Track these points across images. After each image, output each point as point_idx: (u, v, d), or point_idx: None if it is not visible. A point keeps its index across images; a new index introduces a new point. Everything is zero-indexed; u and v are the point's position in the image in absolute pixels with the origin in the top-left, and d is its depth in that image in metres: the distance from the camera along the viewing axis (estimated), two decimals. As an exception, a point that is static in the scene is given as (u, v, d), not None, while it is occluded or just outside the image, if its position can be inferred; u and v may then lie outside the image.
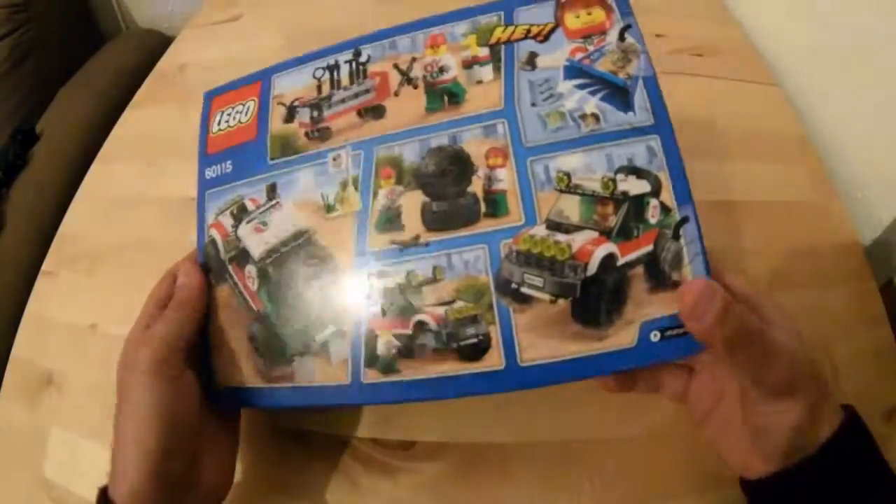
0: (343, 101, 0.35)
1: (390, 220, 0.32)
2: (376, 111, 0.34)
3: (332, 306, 0.32)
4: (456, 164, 0.32)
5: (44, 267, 0.54)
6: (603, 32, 0.32)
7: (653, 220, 0.29)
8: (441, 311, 0.30)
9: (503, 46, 0.33)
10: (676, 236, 0.28)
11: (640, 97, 0.31)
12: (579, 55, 0.32)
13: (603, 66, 0.32)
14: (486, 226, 0.30)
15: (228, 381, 0.33)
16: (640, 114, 0.30)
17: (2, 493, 0.43)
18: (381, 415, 0.39)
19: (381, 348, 0.30)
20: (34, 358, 0.48)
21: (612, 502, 0.35)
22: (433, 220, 0.31)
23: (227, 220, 0.35)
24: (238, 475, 0.37)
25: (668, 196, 0.29)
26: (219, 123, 0.38)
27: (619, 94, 0.31)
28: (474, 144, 0.32)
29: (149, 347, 0.30)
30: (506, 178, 0.31)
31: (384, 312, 0.31)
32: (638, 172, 0.29)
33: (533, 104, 0.32)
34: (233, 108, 0.38)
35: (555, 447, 0.37)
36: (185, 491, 0.30)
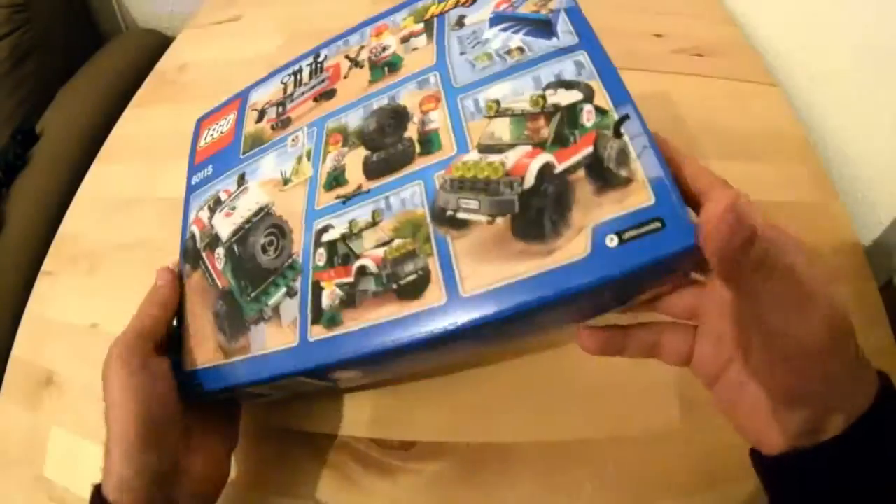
0: (303, 94, 0.38)
1: (336, 178, 0.33)
2: (328, 94, 0.37)
3: (283, 269, 0.32)
4: (394, 118, 0.33)
5: (44, 267, 0.54)
6: None
7: (589, 124, 0.27)
8: (380, 252, 0.29)
9: (436, 18, 0.36)
10: (618, 134, 0.26)
11: (562, 24, 0.31)
12: (503, 6, 0.34)
13: (525, 10, 0.33)
14: (420, 163, 0.30)
15: (194, 363, 0.33)
16: (564, 37, 0.30)
17: (2, 493, 0.43)
18: (381, 415, 0.39)
19: (325, 301, 0.30)
20: (34, 358, 0.48)
21: (612, 502, 0.35)
22: (373, 170, 0.32)
23: (205, 214, 0.37)
24: (238, 475, 0.37)
25: (603, 101, 0.28)
26: (205, 138, 0.42)
27: (542, 27, 0.31)
28: (409, 97, 0.33)
29: (116, 346, 0.31)
30: (438, 118, 0.31)
31: (329, 264, 0.30)
32: (567, 85, 0.29)
33: (462, 53, 0.33)
34: (217, 124, 0.42)
35: (555, 447, 0.37)
36: (176, 482, 0.31)
